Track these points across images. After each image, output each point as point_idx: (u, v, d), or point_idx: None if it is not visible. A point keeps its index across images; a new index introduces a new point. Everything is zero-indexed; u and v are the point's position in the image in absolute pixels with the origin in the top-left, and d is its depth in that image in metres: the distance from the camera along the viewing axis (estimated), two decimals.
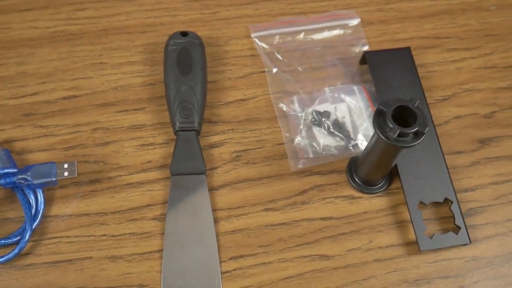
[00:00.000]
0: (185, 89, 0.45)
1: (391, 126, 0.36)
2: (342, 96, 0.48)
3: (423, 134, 0.36)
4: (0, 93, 0.47)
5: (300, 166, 0.45)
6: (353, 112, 0.47)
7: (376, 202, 0.44)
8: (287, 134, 0.46)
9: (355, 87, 0.48)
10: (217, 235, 0.42)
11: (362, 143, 0.46)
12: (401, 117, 0.37)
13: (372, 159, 0.41)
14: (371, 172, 0.43)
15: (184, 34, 0.48)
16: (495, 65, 0.52)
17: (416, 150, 0.44)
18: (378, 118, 0.37)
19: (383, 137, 0.36)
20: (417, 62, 0.51)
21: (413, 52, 0.51)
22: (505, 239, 0.44)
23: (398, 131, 0.36)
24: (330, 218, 0.43)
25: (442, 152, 0.45)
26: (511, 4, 0.56)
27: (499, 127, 0.48)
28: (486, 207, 0.45)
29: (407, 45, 0.51)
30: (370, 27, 0.53)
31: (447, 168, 0.44)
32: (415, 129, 0.36)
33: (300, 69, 0.50)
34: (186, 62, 0.46)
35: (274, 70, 0.49)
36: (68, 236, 0.42)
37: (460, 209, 0.43)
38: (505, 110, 0.49)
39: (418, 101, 0.37)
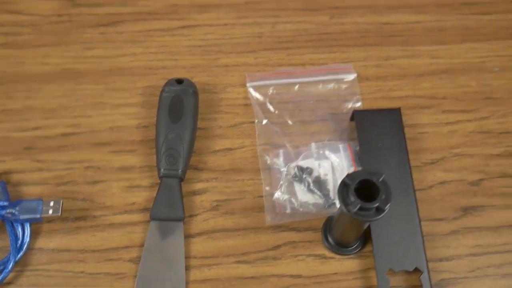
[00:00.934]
0: (173, 136, 0.47)
1: (352, 199, 0.37)
2: (327, 153, 0.49)
3: (384, 210, 0.37)
4: (6, 125, 0.50)
5: (277, 221, 0.46)
6: (336, 171, 0.48)
7: (347, 264, 0.45)
8: (267, 188, 0.47)
9: (340, 145, 0.49)
10: (187, 283, 0.44)
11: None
12: (367, 190, 0.38)
13: (342, 223, 0.42)
14: (342, 235, 0.44)
15: (179, 81, 0.50)
16: (490, 130, 0.51)
17: (392, 215, 0.44)
18: (343, 190, 0.38)
19: (345, 209, 0.37)
20: (410, 122, 0.51)
21: (407, 111, 0.51)
22: None
23: (359, 205, 0.36)
24: (300, 276, 0.44)
25: (418, 219, 0.45)
26: None
27: (485, 196, 0.48)
28: (460, 279, 0.45)
29: (402, 103, 0.52)
30: (367, 83, 0.53)
31: (422, 236, 0.44)
32: (376, 205, 0.37)
33: (290, 122, 0.51)
34: (177, 110, 0.48)
35: (264, 121, 0.50)
36: (48, 270, 0.44)
37: (429, 280, 0.43)
38: (493, 179, 0.49)
39: (383, 175, 0.37)
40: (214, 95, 0.52)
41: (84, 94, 0.52)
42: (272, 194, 0.47)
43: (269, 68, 0.54)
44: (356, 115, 0.49)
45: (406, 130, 0.50)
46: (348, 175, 0.38)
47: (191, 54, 0.55)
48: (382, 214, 0.37)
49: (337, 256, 0.45)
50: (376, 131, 0.49)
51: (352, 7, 0.58)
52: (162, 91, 0.49)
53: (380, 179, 0.37)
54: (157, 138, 0.47)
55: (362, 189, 0.37)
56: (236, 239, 0.46)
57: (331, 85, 0.53)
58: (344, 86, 0.53)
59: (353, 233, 0.43)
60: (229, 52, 0.55)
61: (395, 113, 0.50)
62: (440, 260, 0.45)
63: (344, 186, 0.38)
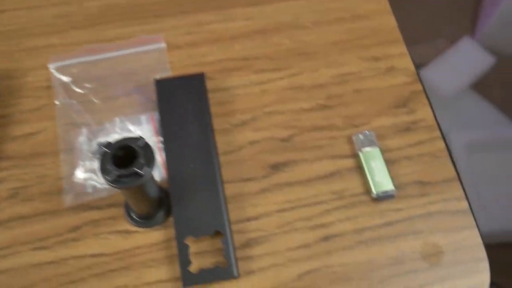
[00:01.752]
0: None
1: (109, 168, 0.35)
2: (130, 126, 0.47)
3: (142, 175, 0.35)
4: None
5: (77, 201, 0.44)
6: None
7: (151, 236, 0.44)
8: (67, 168, 0.45)
9: (142, 117, 0.47)
10: None
11: None
12: (130, 156, 0.36)
13: (125, 195, 0.40)
14: (135, 206, 0.42)
15: None
16: (302, 85, 0.51)
17: (192, 181, 0.44)
18: (103, 158, 0.36)
19: (104, 179, 0.36)
20: (222, 85, 0.50)
21: (218, 75, 0.50)
22: (281, 269, 0.43)
23: (117, 174, 0.35)
24: (101, 254, 0.43)
25: (220, 181, 0.44)
26: (328, 21, 0.55)
27: (295, 151, 0.48)
28: (268, 236, 0.44)
29: (213, 68, 0.51)
30: (177, 52, 0.52)
31: (223, 199, 0.44)
32: (134, 171, 0.35)
33: (94, 100, 0.49)
34: None
35: (66, 101, 0.48)
36: None
37: (230, 241, 0.42)
38: (304, 133, 0.48)
39: (143, 139, 0.36)
40: (16, 81, 0.50)
41: None
42: (72, 175, 0.45)
43: (76, 47, 0.52)
44: (157, 84, 0.48)
45: (219, 94, 0.49)
46: (107, 144, 0.36)
47: None
48: (141, 179, 0.35)
49: (141, 230, 0.44)
50: (178, 98, 0.47)
51: None
52: None
53: (141, 144, 0.36)
54: None
55: (125, 157, 0.36)
56: (34, 225, 0.44)
57: (139, 58, 0.51)
58: (152, 57, 0.51)
59: (143, 202, 0.41)
60: (34, 35, 0.52)
61: (199, 78, 0.49)
62: (248, 220, 0.44)
63: (104, 155, 0.36)
